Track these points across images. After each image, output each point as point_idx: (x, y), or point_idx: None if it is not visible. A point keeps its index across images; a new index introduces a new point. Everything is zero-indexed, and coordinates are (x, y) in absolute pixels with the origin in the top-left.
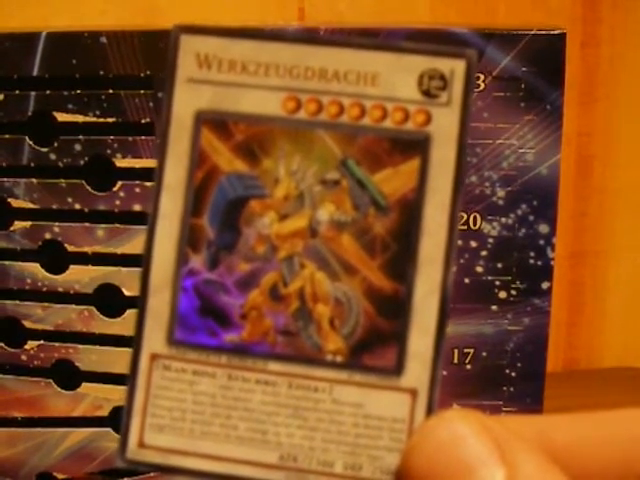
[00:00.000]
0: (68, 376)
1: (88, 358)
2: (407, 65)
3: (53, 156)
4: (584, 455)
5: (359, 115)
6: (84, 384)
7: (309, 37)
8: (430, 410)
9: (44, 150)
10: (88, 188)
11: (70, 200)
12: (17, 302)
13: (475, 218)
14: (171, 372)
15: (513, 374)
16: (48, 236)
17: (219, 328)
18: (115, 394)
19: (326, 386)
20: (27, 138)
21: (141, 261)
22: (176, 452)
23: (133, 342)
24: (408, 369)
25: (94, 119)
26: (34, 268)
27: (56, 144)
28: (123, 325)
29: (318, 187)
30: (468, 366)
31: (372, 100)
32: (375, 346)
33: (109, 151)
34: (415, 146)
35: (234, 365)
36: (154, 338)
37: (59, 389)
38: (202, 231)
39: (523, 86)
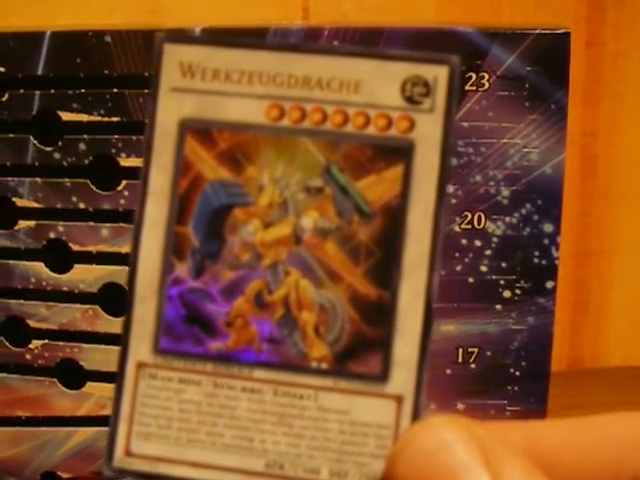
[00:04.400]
0: (72, 375)
1: (92, 357)
2: (390, 72)
3: (57, 155)
4: (572, 461)
5: (342, 122)
6: (88, 383)
7: (292, 45)
8: (416, 416)
9: (48, 149)
10: (92, 187)
11: (74, 199)
12: (21, 301)
13: (479, 217)
14: (157, 381)
15: (517, 373)
16: (52, 235)
17: (205, 336)
18: None
19: (311, 393)
20: (31, 137)
21: None
22: (163, 460)
23: (119, 351)
24: (393, 375)
25: (98, 118)
26: (38, 267)
27: (60, 143)
28: None
29: (302, 194)
30: (472, 365)
31: (355, 107)
32: (360, 353)
33: (113, 150)
34: (398, 153)
35: (220, 373)
36: (140, 347)
37: (63, 388)
38: (187, 239)
39: (527, 85)
